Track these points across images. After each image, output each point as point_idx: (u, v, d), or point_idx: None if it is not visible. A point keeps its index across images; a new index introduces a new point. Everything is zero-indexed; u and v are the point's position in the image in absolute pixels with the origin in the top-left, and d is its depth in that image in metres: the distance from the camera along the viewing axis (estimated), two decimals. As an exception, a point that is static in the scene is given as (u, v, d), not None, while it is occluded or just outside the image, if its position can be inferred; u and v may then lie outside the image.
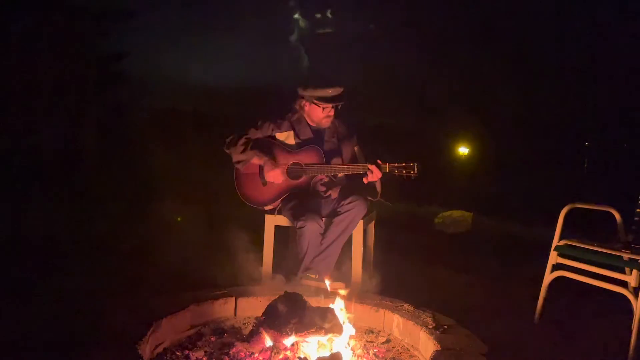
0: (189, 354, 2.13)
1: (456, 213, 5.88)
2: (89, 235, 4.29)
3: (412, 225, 5.72)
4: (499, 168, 9.87)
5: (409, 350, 2.30)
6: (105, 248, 3.93)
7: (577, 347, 2.53)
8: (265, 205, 3.13)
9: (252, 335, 2.19)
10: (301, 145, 3.11)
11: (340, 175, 3.10)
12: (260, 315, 2.17)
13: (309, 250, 2.88)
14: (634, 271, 2.46)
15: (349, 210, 2.92)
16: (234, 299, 2.56)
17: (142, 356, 1.88)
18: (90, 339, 1.95)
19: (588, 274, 2.65)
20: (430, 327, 2.24)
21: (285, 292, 2.16)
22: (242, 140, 3.04)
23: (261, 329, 2.09)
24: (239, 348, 2.18)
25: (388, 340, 2.38)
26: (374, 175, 2.91)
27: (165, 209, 5.54)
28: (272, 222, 3.13)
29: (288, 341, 2.01)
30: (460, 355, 2.00)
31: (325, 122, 3.14)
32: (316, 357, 1.97)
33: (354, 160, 3.17)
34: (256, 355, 2.08)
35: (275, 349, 2.01)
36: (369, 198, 3.05)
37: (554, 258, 2.78)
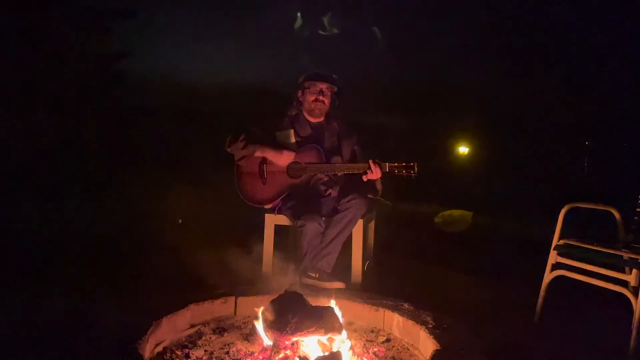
0: (189, 353, 2.13)
1: (456, 212, 5.88)
2: (89, 234, 4.30)
3: (412, 224, 5.72)
4: (499, 167, 9.87)
5: (409, 349, 2.30)
6: (105, 247, 3.94)
7: (577, 346, 2.53)
8: (265, 204, 3.13)
9: (252, 335, 2.19)
10: (301, 143, 3.12)
11: (340, 174, 3.11)
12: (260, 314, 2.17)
13: (308, 249, 2.88)
14: (634, 270, 2.46)
15: (348, 209, 2.92)
16: (234, 298, 2.55)
17: (142, 355, 1.89)
18: (90, 338, 1.95)
19: (588, 274, 2.65)
20: (430, 326, 2.24)
21: (286, 291, 2.16)
22: (242, 137, 3.05)
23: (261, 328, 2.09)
24: (239, 347, 2.19)
25: (388, 340, 2.38)
26: (374, 174, 2.91)
27: (167, 208, 5.54)
28: (272, 221, 3.13)
29: (288, 340, 2.01)
30: (460, 354, 2.00)
31: (317, 109, 3.12)
32: (316, 356, 1.97)
33: (354, 159, 3.17)
34: (256, 354, 2.08)
35: (275, 348, 2.01)
36: (370, 196, 3.05)
37: (553, 257, 2.78)
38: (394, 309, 2.47)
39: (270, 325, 2.03)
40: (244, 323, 2.49)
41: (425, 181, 3.64)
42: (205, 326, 2.40)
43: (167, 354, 2.13)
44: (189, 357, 2.11)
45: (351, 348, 2.12)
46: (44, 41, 7.60)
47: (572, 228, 2.83)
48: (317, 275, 2.86)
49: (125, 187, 6.40)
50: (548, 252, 2.81)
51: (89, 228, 4.52)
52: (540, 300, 2.82)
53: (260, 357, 2.04)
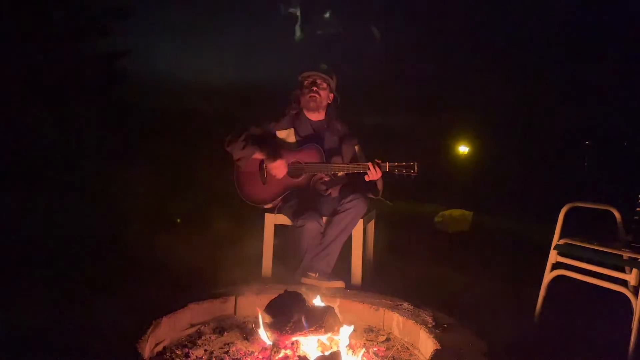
0: (188, 352, 2.13)
1: (456, 212, 5.88)
2: (89, 233, 4.29)
3: (411, 224, 5.72)
4: (499, 167, 9.87)
5: (408, 349, 2.30)
6: (105, 247, 3.94)
7: (576, 345, 2.53)
8: (265, 203, 3.13)
9: (252, 334, 2.19)
10: (301, 143, 3.11)
11: (340, 174, 3.10)
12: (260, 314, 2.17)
13: (308, 249, 2.88)
14: (634, 270, 2.46)
15: (349, 209, 2.92)
16: (233, 297, 2.55)
17: (142, 355, 1.88)
18: (89, 338, 1.95)
19: (588, 273, 2.65)
20: (430, 326, 2.24)
21: (285, 290, 2.16)
22: (243, 137, 3.04)
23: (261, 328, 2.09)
24: (239, 347, 2.18)
25: (388, 339, 2.38)
26: (374, 174, 2.91)
27: (167, 208, 5.54)
28: (272, 221, 3.13)
29: (288, 340, 2.01)
30: (460, 354, 2.00)
31: (312, 101, 3.10)
32: (316, 356, 1.97)
33: (354, 159, 3.17)
34: (256, 354, 2.08)
35: (275, 347, 2.01)
36: (370, 196, 3.05)
37: (553, 257, 2.78)
38: (394, 308, 2.47)
39: (270, 325, 2.03)
40: (243, 322, 2.49)
41: (425, 181, 3.64)
42: (205, 326, 2.40)
43: (167, 354, 2.13)
44: (189, 357, 2.11)
45: (351, 347, 2.12)
46: (44, 41, 7.60)
47: (572, 228, 2.82)
48: (317, 275, 2.86)
49: (125, 186, 6.39)
50: (548, 252, 2.81)
51: (89, 228, 4.51)
52: (540, 299, 2.82)
53: (260, 357, 2.04)
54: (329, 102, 3.18)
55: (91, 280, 3.06)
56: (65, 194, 5.91)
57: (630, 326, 2.39)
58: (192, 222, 5.00)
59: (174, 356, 2.12)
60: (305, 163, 3.06)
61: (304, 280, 2.85)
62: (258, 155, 3.05)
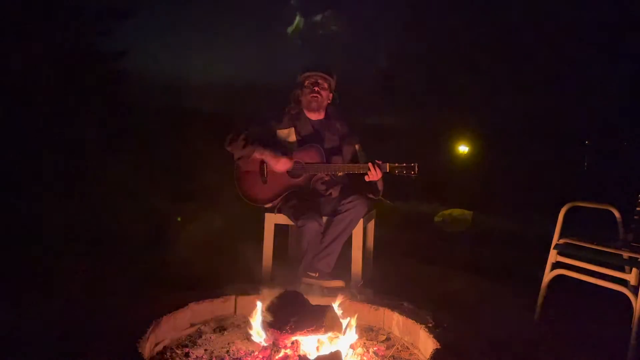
0: (189, 352, 2.14)
1: (456, 211, 5.88)
2: (89, 233, 4.30)
3: (411, 223, 5.72)
4: (499, 166, 9.86)
5: (408, 348, 2.30)
6: (105, 247, 3.94)
7: (576, 345, 2.53)
8: (265, 203, 3.12)
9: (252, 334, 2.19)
10: (302, 142, 3.11)
11: (340, 174, 3.10)
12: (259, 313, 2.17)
13: (309, 249, 2.88)
14: (634, 269, 2.46)
15: (349, 209, 2.92)
16: (233, 297, 2.56)
17: (142, 354, 1.89)
18: (90, 337, 1.95)
19: (588, 273, 2.65)
20: (430, 325, 2.24)
21: (285, 290, 2.16)
22: (243, 136, 3.04)
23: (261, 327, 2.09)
24: (239, 346, 2.19)
25: (388, 339, 2.39)
26: (374, 175, 2.91)
27: (167, 207, 5.55)
28: (272, 220, 3.13)
29: (288, 339, 2.02)
30: (459, 353, 2.00)
31: (313, 101, 3.10)
32: (316, 356, 1.97)
33: (354, 159, 3.16)
34: (256, 353, 2.08)
35: (275, 347, 2.02)
36: (370, 196, 3.05)
37: (553, 256, 2.78)
38: (394, 307, 2.47)
39: (270, 325, 2.03)
40: (243, 322, 2.49)
41: (425, 181, 3.64)
42: (205, 325, 2.40)
43: (167, 353, 2.13)
44: (189, 356, 2.11)
45: (351, 347, 2.13)
46: (44, 40, 7.60)
47: (572, 227, 2.83)
48: (317, 275, 2.86)
49: (125, 186, 6.39)
50: (548, 252, 2.81)
51: (88, 227, 4.52)
52: (540, 299, 2.82)
53: (261, 356, 2.04)
54: (328, 101, 3.18)
55: (91, 280, 3.07)
56: (64, 192, 5.91)
57: (630, 326, 2.39)
58: (192, 222, 5.00)
59: (174, 356, 2.12)
60: (306, 163, 3.05)
61: (304, 279, 2.85)
62: (259, 154, 3.05)
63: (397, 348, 2.29)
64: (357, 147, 3.21)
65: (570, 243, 2.73)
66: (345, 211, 2.92)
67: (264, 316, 2.08)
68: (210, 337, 2.30)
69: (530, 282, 2.98)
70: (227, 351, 2.16)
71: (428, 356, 2.02)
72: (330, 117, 3.22)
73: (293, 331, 1.99)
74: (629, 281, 2.47)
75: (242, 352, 2.14)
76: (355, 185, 3.06)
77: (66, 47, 8.07)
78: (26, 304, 2.59)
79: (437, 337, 2.11)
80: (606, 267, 2.56)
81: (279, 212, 3.10)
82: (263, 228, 3.13)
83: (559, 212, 2.82)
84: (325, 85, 3.11)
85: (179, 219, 5.21)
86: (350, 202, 2.93)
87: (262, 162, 3.09)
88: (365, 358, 2.14)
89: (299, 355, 1.97)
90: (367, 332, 2.44)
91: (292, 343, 2.02)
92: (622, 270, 2.53)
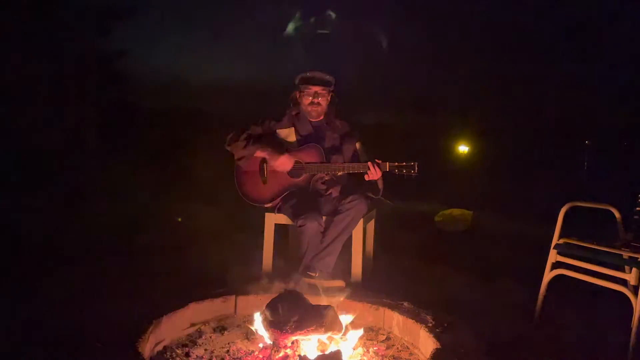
0: (189, 351, 2.14)
1: (456, 211, 5.87)
2: (89, 234, 4.30)
3: (411, 223, 5.71)
4: (499, 166, 9.87)
5: (408, 348, 2.30)
6: (105, 247, 3.94)
7: (576, 345, 2.53)
8: (266, 203, 3.13)
9: (252, 333, 2.19)
10: (302, 142, 3.11)
11: (340, 174, 3.10)
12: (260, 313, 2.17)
13: (309, 248, 2.88)
14: (634, 269, 2.46)
15: (349, 209, 2.92)
16: (234, 297, 2.56)
17: (143, 354, 1.89)
18: (90, 337, 1.95)
19: (587, 273, 2.65)
20: (430, 325, 2.24)
21: (285, 290, 2.16)
22: (244, 136, 3.04)
23: (261, 327, 2.09)
24: (239, 346, 2.19)
25: (388, 338, 2.39)
26: (374, 174, 2.91)
27: (167, 208, 5.55)
28: (272, 220, 3.13)
29: (288, 339, 2.02)
30: (460, 353, 2.00)
31: (313, 111, 3.11)
32: (316, 355, 1.97)
33: (355, 158, 3.16)
34: (256, 353, 2.08)
35: (275, 347, 2.02)
36: (370, 195, 3.05)
37: (553, 256, 2.78)
38: (394, 307, 2.47)
39: (270, 324, 2.03)
40: (244, 322, 2.49)
41: (425, 181, 3.64)
42: (205, 325, 2.40)
43: (168, 353, 2.13)
44: (189, 356, 2.11)
45: (351, 347, 2.13)
46: (44, 40, 7.61)
47: (572, 227, 2.83)
48: (317, 274, 2.86)
49: (124, 186, 6.40)
50: (548, 252, 2.81)
51: (88, 227, 4.52)
52: (540, 299, 2.82)
53: (261, 356, 2.05)
54: (328, 102, 3.18)
55: (91, 280, 3.07)
56: (65, 193, 5.92)
57: (630, 326, 2.39)
58: (192, 221, 5.00)
59: (174, 355, 2.12)
60: (306, 163, 3.06)
61: (305, 279, 2.85)
62: (260, 154, 3.05)
63: (397, 348, 2.29)
64: (357, 145, 3.21)
65: (570, 243, 2.73)
66: (345, 211, 2.92)
67: (264, 316, 2.08)
68: (211, 337, 2.30)
69: (530, 282, 2.98)
70: (227, 351, 2.16)
71: (428, 356, 2.02)
72: (329, 116, 3.21)
73: (293, 331, 1.99)
74: (629, 281, 2.47)
75: (242, 352, 2.14)
76: (355, 184, 3.07)
77: (66, 47, 8.08)
78: (25, 306, 2.59)
79: (437, 337, 2.12)
80: (606, 266, 2.56)
81: (279, 211, 3.10)
82: (263, 228, 3.13)
83: (558, 212, 2.82)
84: (325, 92, 3.10)
85: (179, 219, 5.21)
86: (350, 201, 2.93)
87: (262, 162, 3.09)
88: (365, 358, 2.14)
89: (299, 355, 1.97)
90: (367, 331, 2.44)
91: (292, 343, 2.02)
92: (622, 270, 2.53)
